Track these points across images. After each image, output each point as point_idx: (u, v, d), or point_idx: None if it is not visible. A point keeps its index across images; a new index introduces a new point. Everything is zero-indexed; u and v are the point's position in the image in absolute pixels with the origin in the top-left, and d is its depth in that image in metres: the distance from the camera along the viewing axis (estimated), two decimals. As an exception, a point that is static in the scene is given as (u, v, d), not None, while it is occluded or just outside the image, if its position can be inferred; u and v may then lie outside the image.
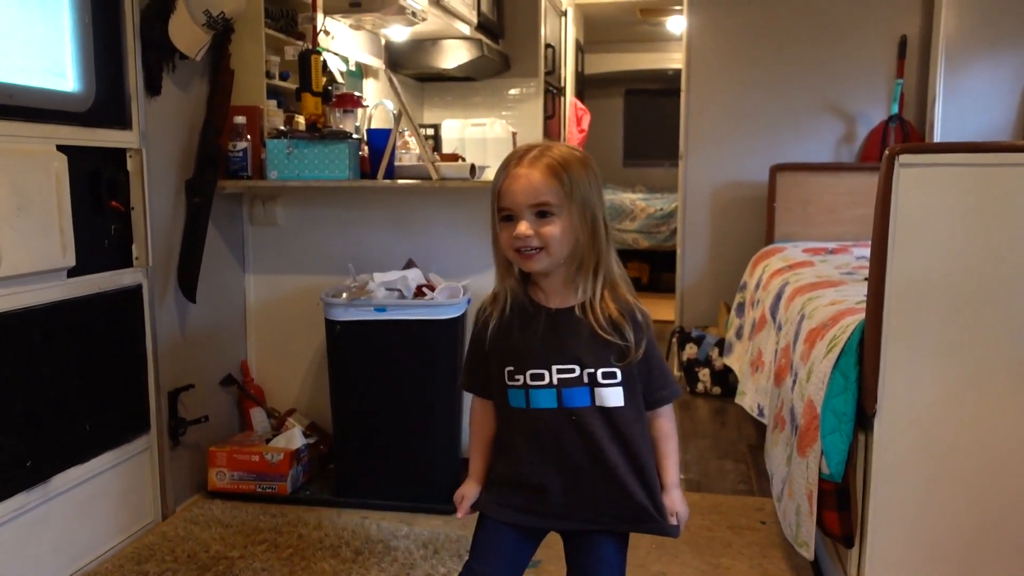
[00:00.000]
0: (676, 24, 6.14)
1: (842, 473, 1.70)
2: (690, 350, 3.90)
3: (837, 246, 3.49)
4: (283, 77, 2.97)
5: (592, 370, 1.30)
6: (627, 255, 7.08)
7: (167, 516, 2.41)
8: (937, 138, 3.81)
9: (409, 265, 2.62)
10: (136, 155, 2.25)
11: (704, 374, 3.86)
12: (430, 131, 4.18)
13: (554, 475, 1.32)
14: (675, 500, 1.39)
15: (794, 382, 2.04)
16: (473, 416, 1.44)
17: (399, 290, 2.46)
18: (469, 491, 1.42)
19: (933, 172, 1.59)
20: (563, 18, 5.45)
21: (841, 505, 1.73)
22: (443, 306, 2.39)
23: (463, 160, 2.96)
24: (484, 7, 4.30)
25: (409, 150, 3.05)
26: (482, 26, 4.29)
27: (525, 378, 1.31)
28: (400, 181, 2.62)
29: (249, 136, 2.60)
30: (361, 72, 3.92)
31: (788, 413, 2.05)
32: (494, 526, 1.38)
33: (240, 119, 2.58)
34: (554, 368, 1.30)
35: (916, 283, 1.59)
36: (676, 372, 4.05)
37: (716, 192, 4.23)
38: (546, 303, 1.34)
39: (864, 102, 4.00)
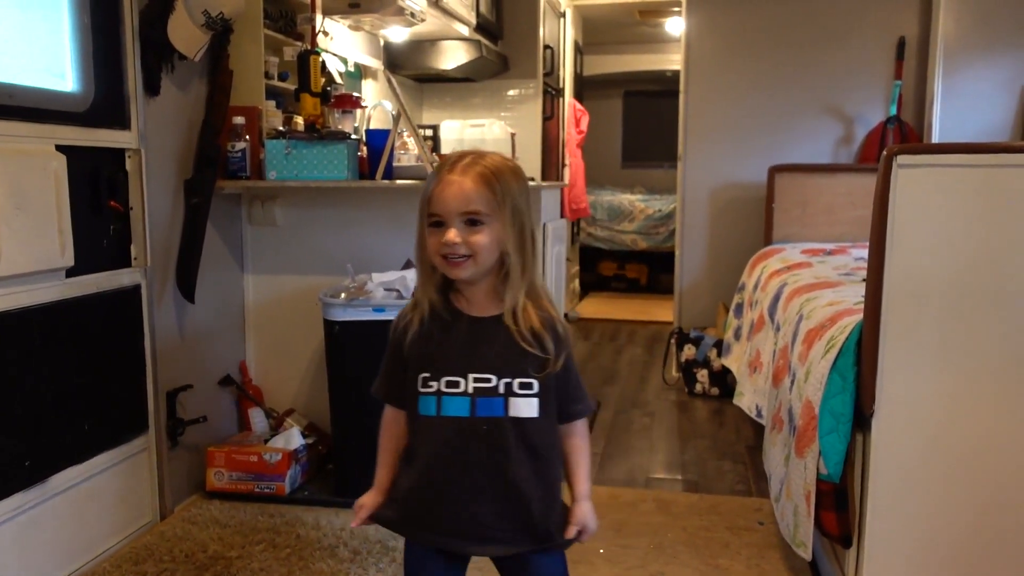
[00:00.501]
0: (675, 26, 6.14)
1: (840, 473, 1.70)
2: (688, 351, 3.91)
3: (835, 247, 3.49)
4: (282, 78, 2.97)
5: (509, 380, 1.29)
6: (626, 256, 7.09)
7: (165, 516, 2.41)
8: (935, 139, 3.82)
9: (408, 265, 2.62)
10: (135, 155, 2.25)
11: (702, 375, 3.86)
12: (429, 132, 4.18)
13: (455, 487, 1.30)
14: (585, 512, 1.37)
15: (792, 383, 2.04)
16: (384, 425, 1.41)
17: (398, 290, 2.46)
18: (369, 501, 1.39)
19: (931, 173, 1.59)
20: (562, 19, 5.45)
21: (839, 505, 1.73)
22: (442, 306, 2.39)
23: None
24: (483, 8, 4.30)
25: (408, 151, 3.05)
26: (481, 27, 4.30)
27: (440, 385, 1.29)
28: (399, 182, 2.62)
29: (248, 136, 2.60)
30: (360, 73, 3.92)
31: (786, 414, 2.05)
32: (419, 552, 1.37)
33: (239, 119, 2.58)
34: (471, 376, 1.29)
35: (914, 284, 1.59)
36: (674, 373, 4.06)
37: (715, 193, 4.24)
38: (468, 310, 1.33)
39: (862, 103, 4.01)
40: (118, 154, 2.22)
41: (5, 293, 1.86)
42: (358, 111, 2.92)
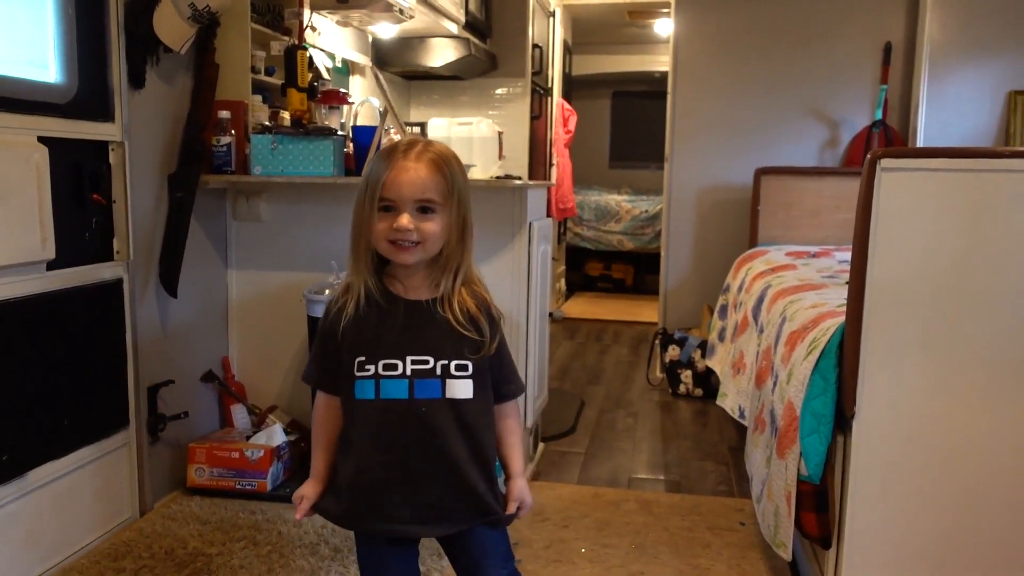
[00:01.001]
0: (664, 27, 6.16)
1: (820, 475, 1.71)
2: (672, 352, 3.92)
3: (819, 250, 3.51)
4: (269, 72, 2.96)
5: (446, 362, 1.32)
6: (612, 256, 7.11)
7: (145, 512, 2.40)
8: (920, 143, 3.85)
9: (393, 263, 2.61)
10: (119, 148, 2.24)
11: (686, 376, 3.87)
12: (416, 129, 4.18)
13: (397, 470, 1.31)
14: (521, 488, 1.41)
15: (775, 384, 2.05)
16: (317, 413, 1.42)
17: (382, 288, 2.45)
18: (309, 491, 1.39)
19: (914, 177, 1.60)
20: (551, 19, 5.45)
21: (819, 506, 1.74)
22: (426, 304, 2.38)
23: (448, 158, 2.94)
24: (472, 6, 4.30)
25: (394, 148, 3.04)
26: (470, 25, 4.29)
27: (377, 368, 1.31)
28: (385, 178, 2.61)
29: (233, 131, 2.59)
30: (348, 69, 3.91)
31: (768, 415, 2.06)
32: (371, 549, 1.38)
33: (224, 114, 2.57)
34: (408, 359, 1.31)
35: (896, 286, 1.61)
36: (659, 373, 4.07)
37: (701, 195, 4.25)
38: (404, 294, 1.35)
39: (848, 107, 4.04)
40: (101, 147, 2.20)
41: (-16, 285, 1.84)
42: (345, 107, 2.90)
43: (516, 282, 2.66)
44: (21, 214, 1.91)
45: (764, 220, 3.86)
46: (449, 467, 1.32)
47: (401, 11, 3.39)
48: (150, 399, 2.42)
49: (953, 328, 1.61)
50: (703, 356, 3.72)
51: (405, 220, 1.28)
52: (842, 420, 1.70)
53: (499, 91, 4.80)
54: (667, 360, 3.95)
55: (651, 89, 7.27)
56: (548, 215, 3.81)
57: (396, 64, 4.27)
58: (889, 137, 3.94)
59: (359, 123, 2.97)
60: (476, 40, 4.34)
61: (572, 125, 5.84)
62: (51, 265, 2.03)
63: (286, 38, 2.98)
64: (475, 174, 3.37)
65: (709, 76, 4.20)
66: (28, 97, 1.95)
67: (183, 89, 2.51)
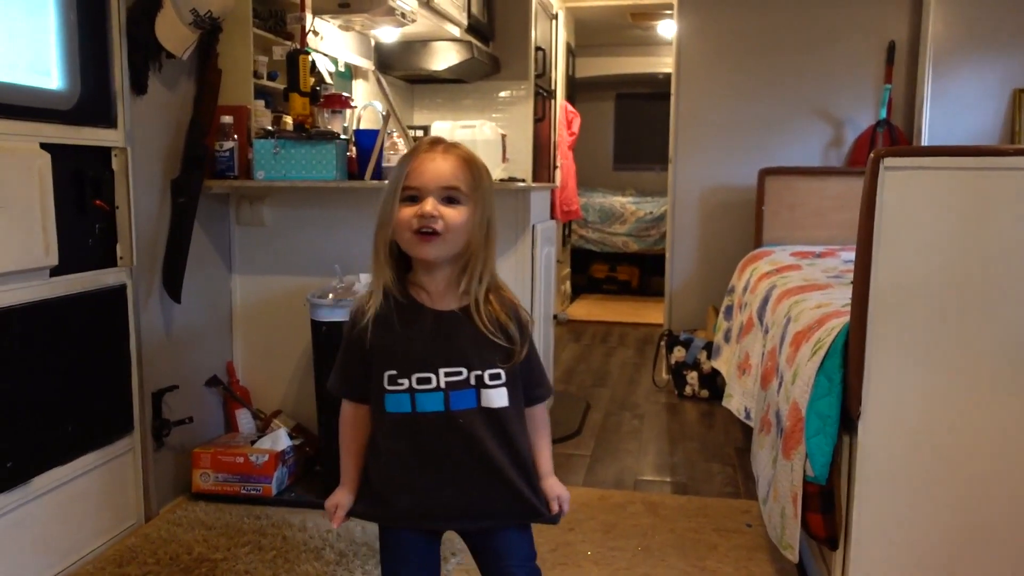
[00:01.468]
0: (667, 28, 6.15)
1: (826, 475, 1.70)
2: (678, 353, 3.91)
3: (824, 250, 3.50)
4: (271, 77, 2.96)
5: (479, 372, 1.31)
6: (617, 258, 7.10)
7: (150, 518, 2.40)
8: (925, 142, 3.83)
9: (396, 266, 2.61)
10: (121, 154, 2.24)
11: (692, 377, 3.86)
12: (419, 132, 4.18)
13: (438, 479, 1.31)
14: (554, 486, 1.41)
15: (780, 385, 2.04)
16: (344, 421, 1.40)
17: (386, 291, 2.45)
18: (343, 499, 1.39)
19: (918, 176, 1.59)
20: (554, 21, 5.45)
21: (825, 507, 1.73)
22: (430, 307, 2.38)
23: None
24: (474, 9, 4.30)
25: (397, 151, 3.04)
26: (472, 28, 4.29)
27: (411, 382, 1.29)
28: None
29: (236, 136, 2.59)
30: (351, 73, 3.91)
31: (774, 416, 2.05)
32: (395, 536, 1.38)
33: (227, 119, 2.57)
34: (442, 371, 1.30)
35: (901, 286, 1.60)
36: (664, 375, 4.06)
37: (705, 196, 4.24)
38: (431, 304, 1.33)
39: (852, 107, 4.02)
40: (104, 153, 2.21)
41: (-12, 292, 1.84)
42: (347, 111, 2.91)
43: (520, 285, 2.65)
44: (24, 221, 1.91)
45: (769, 220, 3.85)
46: (491, 473, 1.32)
47: (403, 15, 3.39)
48: (154, 404, 2.42)
49: (959, 327, 1.60)
50: (709, 357, 3.71)
51: (429, 205, 1.26)
52: (848, 421, 1.69)
53: (502, 94, 4.80)
54: (673, 362, 3.94)
55: (655, 91, 7.26)
56: (552, 217, 3.81)
57: (399, 68, 4.27)
58: (894, 136, 3.93)
59: (362, 127, 2.97)
60: (479, 43, 4.34)
61: (576, 127, 5.84)
62: (54, 271, 2.03)
63: (288, 43, 2.99)
64: (478, 177, 3.36)
65: (712, 77, 4.19)
66: (30, 104, 1.96)
67: (185, 95, 2.52)
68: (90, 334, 2.18)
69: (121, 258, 2.27)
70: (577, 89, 6.68)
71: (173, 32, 2.33)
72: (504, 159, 3.96)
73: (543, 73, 4.98)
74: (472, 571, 1.49)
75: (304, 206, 2.78)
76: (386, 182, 2.64)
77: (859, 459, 1.65)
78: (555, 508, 1.40)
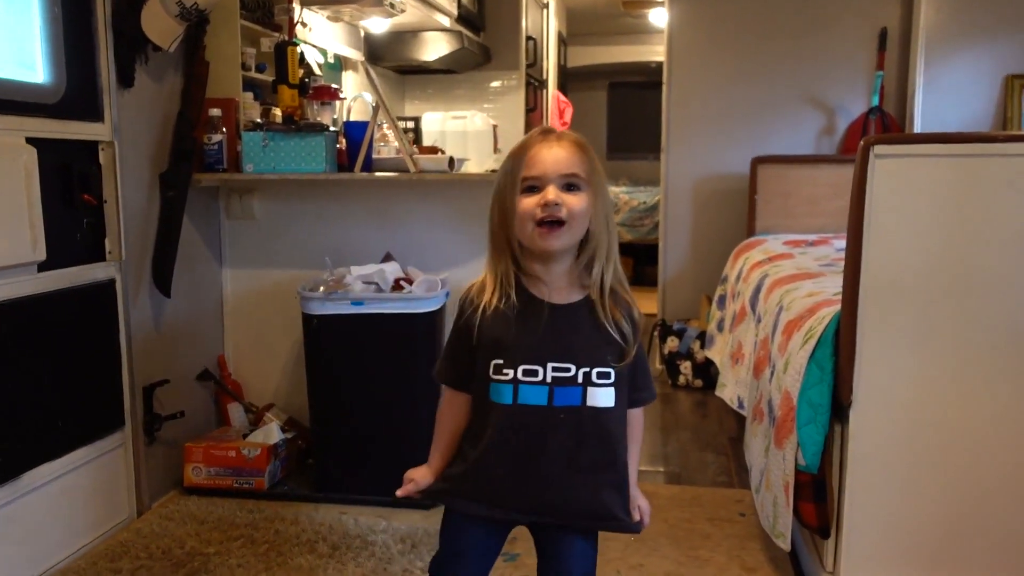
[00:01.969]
0: (659, 16, 6.13)
1: (818, 464, 1.71)
2: (671, 343, 3.91)
3: (817, 238, 3.50)
4: (259, 69, 2.95)
5: (588, 369, 1.28)
6: (611, 248, 7.09)
7: (142, 513, 2.40)
8: (917, 130, 3.83)
9: (387, 258, 2.61)
10: (108, 148, 2.23)
11: (686, 367, 3.87)
12: (410, 124, 4.17)
13: (530, 473, 1.29)
14: (637, 496, 1.40)
15: (772, 374, 2.04)
16: (443, 408, 1.40)
17: (376, 283, 2.45)
18: (420, 476, 1.39)
19: (908, 163, 1.60)
20: (545, 10, 5.43)
21: (817, 496, 1.74)
22: (421, 299, 2.38)
23: (443, 152, 2.94)
24: (464, -1, 4.29)
25: (387, 143, 3.04)
26: (462, 18, 4.28)
27: (516, 373, 1.28)
28: (378, 174, 2.61)
29: (224, 129, 2.58)
30: (340, 64, 3.90)
31: (766, 405, 2.06)
32: (460, 521, 1.36)
33: (215, 111, 2.56)
34: (550, 365, 1.28)
35: (891, 274, 1.60)
36: (658, 365, 4.07)
37: (698, 185, 4.24)
38: (548, 298, 1.30)
39: (845, 94, 4.02)
40: (91, 147, 2.20)
41: (-25, 288, 1.84)
42: (337, 103, 2.90)
43: (511, 276, 2.65)
44: (10, 216, 1.90)
45: (761, 209, 3.85)
46: (584, 474, 1.30)
47: (392, 5, 3.38)
48: (146, 399, 2.42)
49: (949, 315, 1.60)
50: (702, 347, 3.72)
51: (552, 193, 1.24)
52: (839, 409, 1.70)
53: (493, 84, 4.78)
54: (666, 351, 3.95)
55: (647, 79, 7.23)
56: (544, 208, 3.80)
57: (389, 59, 4.26)
58: (886, 123, 3.93)
59: (352, 119, 2.96)
60: (469, 33, 4.33)
61: (568, 117, 5.83)
62: (42, 267, 2.02)
63: (276, 34, 2.97)
64: (470, 168, 3.36)
65: (704, 65, 4.18)
66: (15, 98, 1.94)
67: (173, 87, 2.50)
68: (79, 329, 2.17)
69: (110, 252, 2.26)
70: (569, 79, 6.67)
71: (159, 24, 2.32)
72: (495, 150, 3.96)
73: (534, 63, 4.97)
74: (522, 569, 1.41)
75: (294, 199, 2.77)
76: (376, 174, 2.64)
77: (850, 447, 1.66)
78: (636, 517, 1.38)
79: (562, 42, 6.19)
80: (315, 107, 2.79)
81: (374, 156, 2.68)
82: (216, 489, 2.52)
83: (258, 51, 2.93)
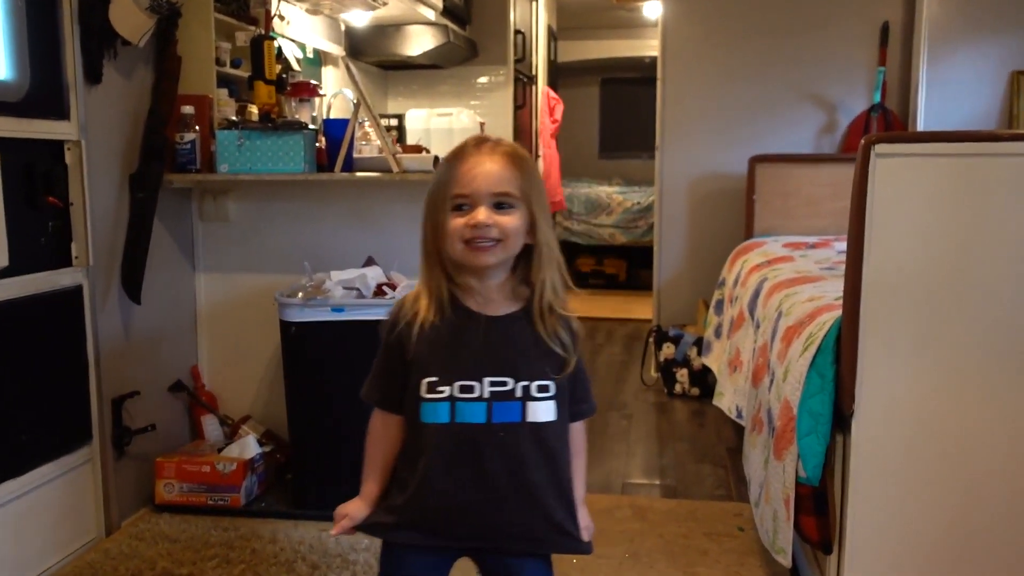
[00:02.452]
0: (653, 10, 6.15)
1: (819, 476, 1.71)
2: (667, 350, 3.92)
3: (818, 240, 3.52)
4: (234, 64, 2.94)
5: (527, 383, 1.28)
6: (604, 251, 7.10)
7: (111, 532, 2.38)
8: (920, 127, 3.86)
9: (369, 263, 2.61)
10: (75, 147, 2.22)
11: (682, 375, 3.87)
12: (394, 121, 4.17)
13: (470, 495, 1.28)
14: (584, 516, 1.39)
15: (771, 382, 2.05)
16: (373, 431, 1.38)
17: (358, 289, 2.44)
18: (354, 510, 1.36)
19: (910, 163, 1.60)
20: (534, 3, 5.45)
21: (819, 510, 1.74)
22: (405, 306, 2.38)
23: (427, 152, 2.94)
24: (450, -9, 4.29)
25: (369, 141, 3.03)
26: (448, 11, 4.28)
27: (452, 390, 1.27)
28: (359, 174, 2.61)
29: (198, 127, 2.57)
30: (320, 60, 3.89)
31: (765, 415, 2.07)
32: (401, 553, 1.35)
33: (188, 109, 2.55)
34: (487, 380, 1.27)
35: (893, 277, 1.61)
36: (653, 373, 4.07)
37: (694, 185, 4.25)
38: (483, 310, 1.30)
39: (846, 91, 4.04)
40: (56, 146, 2.19)
41: (-67, 295, 1.82)
42: (316, 100, 2.90)
43: (499, 280, 2.65)
44: (-29, 219, 1.89)
45: (760, 210, 3.86)
46: (528, 493, 1.29)
47: (374, -3, 3.38)
48: (114, 412, 2.41)
49: (953, 320, 1.61)
50: (699, 354, 3.72)
51: (482, 215, 1.24)
52: (841, 419, 1.70)
53: (480, 80, 4.79)
54: (662, 359, 3.95)
55: (641, 75, 7.26)
56: (534, 209, 3.80)
57: (371, 53, 4.26)
58: (888, 121, 3.96)
59: (332, 116, 2.96)
60: (455, 27, 4.33)
61: (559, 114, 5.84)
62: (4, 273, 2.01)
63: (252, 28, 2.97)
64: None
65: (700, 61, 4.20)
66: (-24, 95, 1.94)
67: (143, 84, 2.50)
68: (44, 338, 2.15)
69: (76, 258, 2.25)
70: (560, 74, 6.69)
71: (129, 17, 2.31)
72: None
73: (523, 58, 4.98)
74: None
75: (271, 200, 2.76)
76: (357, 174, 2.64)
77: (853, 459, 1.66)
78: (586, 537, 1.38)
79: (552, 36, 6.20)
80: (293, 104, 2.79)
81: (355, 155, 2.68)
82: (189, 506, 2.51)
83: (233, 45, 2.93)
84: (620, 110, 7.97)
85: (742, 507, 2.55)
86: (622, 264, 7.10)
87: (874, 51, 4.01)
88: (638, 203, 6.95)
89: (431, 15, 4.05)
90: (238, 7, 2.97)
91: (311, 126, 2.67)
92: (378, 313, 2.37)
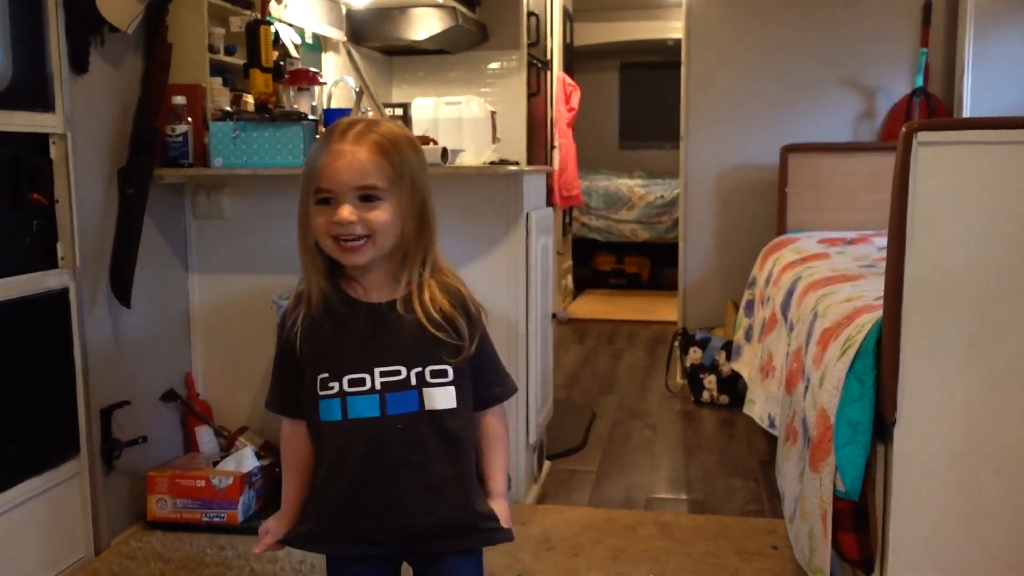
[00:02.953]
0: (676, -12, 6.15)
1: (859, 490, 1.71)
2: (694, 354, 3.92)
3: (856, 236, 3.51)
4: (229, 51, 2.95)
5: (420, 369, 1.30)
6: (625, 248, 7.11)
7: (100, 551, 2.40)
8: (967, 113, 3.84)
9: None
10: (60, 141, 2.24)
11: (710, 381, 3.87)
12: (399, 111, 4.17)
13: (378, 495, 1.31)
14: (504, 511, 1.40)
15: (806, 389, 2.05)
16: (284, 441, 1.41)
17: (362, 291, 2.45)
18: (275, 526, 1.40)
19: (956, 151, 1.60)
20: (548, -18, 5.45)
21: (858, 526, 1.74)
22: (412, 308, 2.39)
23: (435, 143, 2.95)
24: (458, -30, 4.30)
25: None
26: (456, -8, 4.29)
27: (342, 385, 1.29)
28: (362, 167, 2.61)
29: (190, 118, 2.59)
30: (320, 45, 3.91)
31: (800, 424, 2.06)
32: (338, 567, 1.38)
33: (180, 99, 2.57)
34: (376, 371, 1.29)
35: (938, 275, 1.60)
36: (679, 379, 4.07)
37: (721, 177, 4.25)
38: (364, 297, 1.33)
39: (885, 74, 4.03)
40: (41, 140, 2.20)
41: (-89, 299, 1.84)
42: (316, 88, 2.91)
43: (513, 281, 2.65)
44: (-49, 218, 1.91)
45: (793, 203, 3.86)
46: (432, 487, 1.32)
47: (377, -22, 3.39)
48: (103, 423, 2.42)
49: (1004, 321, 1.60)
50: (728, 359, 3.72)
51: (345, 211, 1.25)
52: (882, 428, 1.70)
53: (491, 66, 4.79)
54: (688, 364, 3.95)
55: (664, 59, 7.25)
56: (550, 204, 3.82)
57: (375, 38, 4.26)
58: (931, 106, 3.94)
59: (332, 106, 2.97)
60: (464, 9, 4.33)
61: (575, 102, 5.84)
62: (-13, 275, 2.03)
63: (248, 12, 2.98)
64: (466, 159, 3.37)
65: (728, 43, 4.19)
66: (-45, 86, 1.95)
67: (132, 73, 2.51)
68: (29, 345, 2.17)
69: (62, 258, 2.26)
70: (576, 59, 6.69)
71: (117, 2, 2.33)
72: (494, 139, 3.97)
73: (537, 41, 4.98)
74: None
75: (268, 196, 2.78)
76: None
77: (895, 471, 1.66)
78: (505, 524, 1.40)
79: (568, 18, 6.20)
80: (292, 93, 2.81)
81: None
82: (183, 523, 2.52)
83: (227, 31, 2.94)
84: (641, 97, 7.97)
85: (776, 523, 2.55)
86: (644, 262, 7.10)
87: (916, 30, 3.99)
88: (661, 197, 6.94)
89: (438, -3, 4.06)
90: (232, -10, 2.99)
91: (311, 117, 2.68)
92: (383, 316, 2.38)
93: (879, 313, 1.73)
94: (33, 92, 2.16)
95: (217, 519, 2.51)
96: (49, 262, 2.24)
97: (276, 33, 2.91)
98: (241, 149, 2.57)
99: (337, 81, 3.36)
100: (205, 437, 2.79)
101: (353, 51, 2.92)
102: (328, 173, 1.26)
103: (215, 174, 2.63)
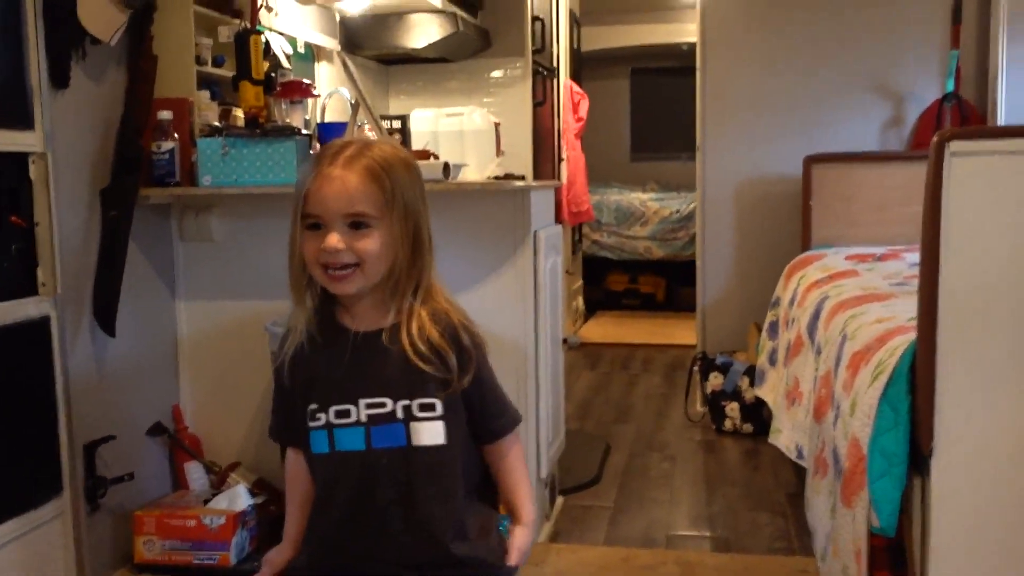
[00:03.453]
0: (689, -10, 6.19)
1: (895, 526, 1.71)
2: (715, 380, 3.92)
3: (886, 251, 3.51)
4: (217, 63, 2.98)
5: (407, 402, 1.32)
6: (638, 267, 7.12)
7: (84, 596, 2.40)
8: (1002, 119, 3.85)
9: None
10: (40, 160, 2.25)
11: (732, 409, 3.87)
12: (396, 123, 4.20)
13: (363, 531, 1.33)
14: (525, 540, 1.41)
15: (836, 417, 2.05)
16: (287, 471, 1.45)
17: (360, 316, 2.46)
18: (275, 556, 1.44)
19: (992, 161, 1.61)
20: (554, -15, 5.49)
21: (895, 564, 1.74)
22: (414, 334, 2.39)
23: (435, 157, 2.97)
24: (458, -26, 4.33)
25: (370, 147, 3.06)
26: (456, -4, 4.32)
27: (328, 416, 1.32)
28: (360, 185, 2.63)
29: (176, 134, 2.61)
30: (312, 55, 3.94)
31: (831, 454, 2.06)
32: None
33: (165, 114, 2.59)
34: (362, 402, 1.31)
35: (975, 293, 1.60)
36: (699, 407, 4.06)
37: (741, 189, 4.26)
38: (353, 326, 1.35)
39: (914, 78, 4.04)
40: (19, 159, 2.22)
41: None
42: (309, 101, 2.93)
43: (520, 305, 2.66)
44: (-74, 244, 1.92)
45: (818, 217, 3.86)
46: (420, 528, 1.33)
47: (373, -17, 3.42)
48: (87, 459, 2.43)
49: (1047, 343, 1.60)
50: (751, 384, 3.72)
51: (333, 239, 1.27)
52: (918, 459, 1.70)
53: (494, 74, 4.82)
54: (709, 391, 3.95)
55: (678, 64, 7.29)
56: (558, 221, 3.83)
57: (370, 47, 4.29)
58: (964, 112, 3.95)
59: (327, 120, 2.99)
60: (464, 14, 4.36)
61: (584, 111, 5.87)
62: (-37, 303, 2.04)
63: (237, 21, 3.00)
64: (469, 175, 3.39)
65: (746, 46, 4.21)
66: (-70, 104, 1.97)
67: (115, 87, 2.54)
68: (7, 376, 2.18)
69: (43, 285, 2.28)
70: (584, 65, 6.72)
71: (99, 13, 2.35)
72: (498, 152, 3.99)
73: (542, 47, 5.01)
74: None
75: (260, 216, 2.79)
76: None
77: (933, 505, 1.65)
78: (513, 560, 1.40)
79: (575, 22, 6.24)
80: (284, 106, 2.82)
81: (355, 164, 2.70)
82: (172, 566, 2.52)
83: (215, 41, 2.97)
84: (654, 105, 8.00)
85: (806, 562, 2.54)
86: (660, 282, 7.11)
87: (945, 31, 4.00)
88: (677, 211, 6.96)
89: (437, 2, 4.09)
90: (220, -2, 3.02)
91: (304, 131, 2.70)
92: (384, 343, 2.39)
93: (913, 335, 1.73)
94: (11, 108, 2.18)
95: (208, 561, 2.51)
96: (29, 289, 2.25)
97: (267, 43, 2.93)
98: (231, 166, 2.59)
99: (331, 93, 3.38)
100: (195, 473, 2.79)
101: (348, 61, 2.94)
102: (317, 199, 1.28)
103: (203, 193, 2.64)
